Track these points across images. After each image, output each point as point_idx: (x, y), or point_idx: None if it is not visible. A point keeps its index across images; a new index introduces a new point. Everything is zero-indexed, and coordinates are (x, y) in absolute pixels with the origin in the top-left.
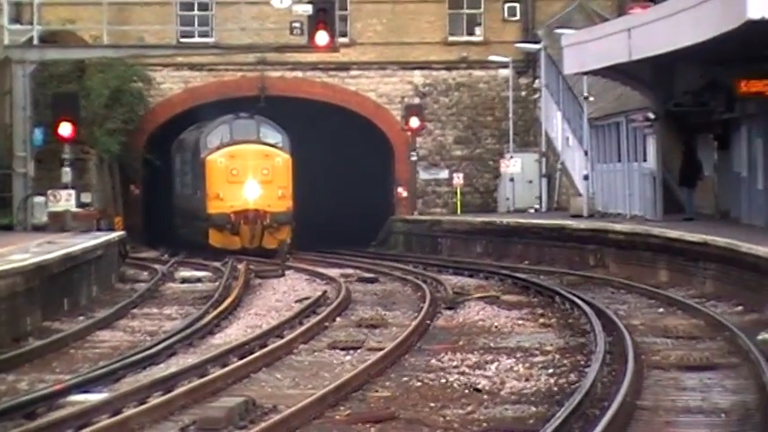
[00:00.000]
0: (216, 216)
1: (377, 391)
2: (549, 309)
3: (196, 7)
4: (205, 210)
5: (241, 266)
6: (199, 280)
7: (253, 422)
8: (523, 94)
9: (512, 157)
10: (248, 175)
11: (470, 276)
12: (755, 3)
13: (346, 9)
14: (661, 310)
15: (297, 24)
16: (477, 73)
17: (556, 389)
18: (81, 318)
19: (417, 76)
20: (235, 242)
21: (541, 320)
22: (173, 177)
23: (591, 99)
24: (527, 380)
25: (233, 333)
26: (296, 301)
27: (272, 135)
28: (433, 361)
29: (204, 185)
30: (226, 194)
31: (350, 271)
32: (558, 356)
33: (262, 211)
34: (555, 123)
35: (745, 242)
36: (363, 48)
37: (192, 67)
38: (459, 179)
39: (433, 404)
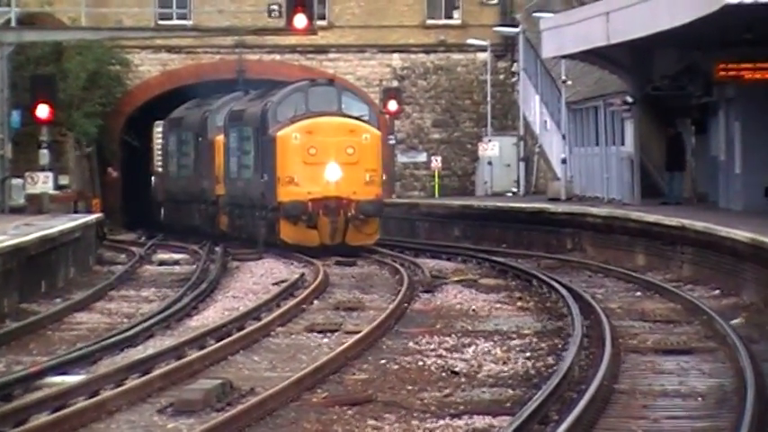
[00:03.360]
0: (289, 205)
1: (354, 374)
2: (527, 292)
3: None
4: (274, 197)
5: (218, 249)
6: (176, 262)
7: (230, 404)
8: (501, 77)
9: (490, 140)
10: (330, 154)
11: (448, 260)
12: None
13: None
14: (638, 293)
15: (275, 7)
16: (456, 56)
17: (533, 372)
18: (58, 300)
19: (396, 60)
20: (312, 237)
21: (519, 304)
22: (166, 159)
23: (569, 83)
24: (504, 363)
25: (210, 315)
26: (273, 284)
27: (357, 106)
28: (411, 344)
29: (273, 167)
30: (302, 178)
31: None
32: (535, 340)
33: (345, 200)
34: (533, 107)
35: (722, 226)
36: (341, 31)
37: (169, 49)
38: (437, 162)
39: (410, 387)
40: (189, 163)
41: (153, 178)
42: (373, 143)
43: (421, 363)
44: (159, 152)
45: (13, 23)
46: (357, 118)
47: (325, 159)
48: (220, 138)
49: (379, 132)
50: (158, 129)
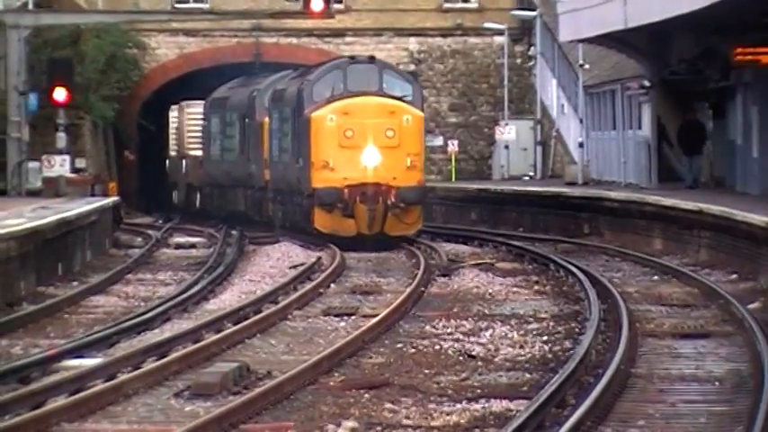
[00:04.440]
0: (323, 192)
1: (371, 358)
2: (544, 276)
3: None
4: (308, 183)
5: (235, 232)
6: (193, 246)
7: (247, 388)
8: (518, 61)
9: (507, 124)
10: (367, 137)
11: (465, 243)
12: None
13: None
14: (655, 277)
15: None
16: (473, 40)
17: (550, 356)
18: (75, 283)
19: (412, 43)
20: (348, 227)
21: (536, 288)
22: (207, 141)
23: (586, 67)
24: (521, 347)
25: (227, 299)
26: (290, 268)
27: (400, 85)
28: (428, 327)
29: (308, 150)
30: (337, 163)
31: None
32: (552, 324)
33: (385, 186)
34: (550, 91)
35: (739, 210)
36: (359, 14)
37: (186, 32)
38: (453, 146)
39: (427, 370)
40: (234, 146)
41: (167, 162)
42: (415, 125)
43: (438, 346)
44: (175, 135)
45: (30, 6)
46: (399, 98)
47: (362, 143)
48: (268, 120)
49: (422, 114)
50: (173, 113)
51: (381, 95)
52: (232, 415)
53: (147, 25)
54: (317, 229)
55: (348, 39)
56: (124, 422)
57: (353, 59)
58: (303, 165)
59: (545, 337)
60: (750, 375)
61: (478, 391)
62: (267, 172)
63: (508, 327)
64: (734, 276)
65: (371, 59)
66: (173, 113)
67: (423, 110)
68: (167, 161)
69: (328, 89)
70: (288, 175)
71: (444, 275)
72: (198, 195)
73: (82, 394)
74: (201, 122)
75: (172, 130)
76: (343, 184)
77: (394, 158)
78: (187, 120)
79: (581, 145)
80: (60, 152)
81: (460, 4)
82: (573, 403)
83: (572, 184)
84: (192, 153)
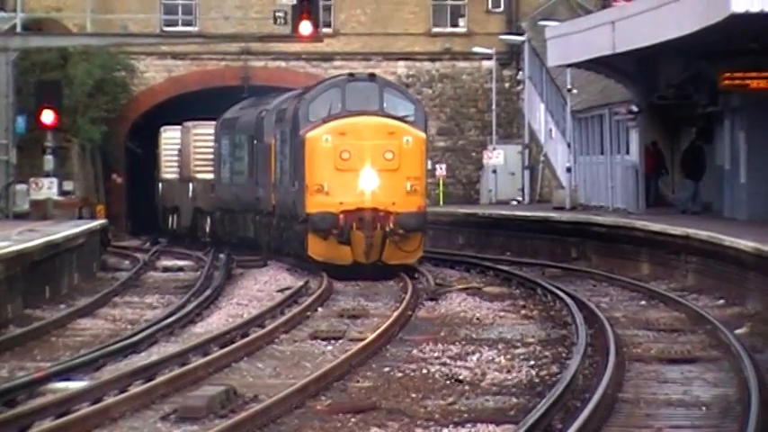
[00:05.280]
0: (317, 217)
1: (358, 382)
2: (531, 300)
3: None
4: (303, 207)
5: (222, 255)
6: (180, 269)
7: (234, 411)
8: (507, 85)
9: (494, 148)
10: (365, 159)
11: (452, 267)
12: None
13: None
14: (643, 302)
15: (281, 14)
16: (461, 64)
17: (537, 380)
18: (62, 306)
19: (401, 67)
20: (344, 255)
21: (523, 312)
22: (218, 164)
23: (574, 91)
24: (508, 371)
25: (214, 322)
26: (277, 291)
27: (402, 105)
28: (415, 352)
29: (302, 173)
30: (333, 187)
31: None
32: (539, 348)
33: (383, 212)
34: (538, 115)
35: (727, 236)
36: (347, 38)
37: (175, 56)
38: (441, 170)
39: (414, 395)
40: (243, 169)
41: (160, 185)
42: (416, 147)
43: (425, 370)
44: (175, 157)
45: (18, 29)
46: (400, 118)
47: (359, 165)
48: (274, 141)
49: (424, 135)
50: (165, 134)
51: (381, 115)
52: None
53: (135, 48)
54: (311, 257)
55: (336, 62)
56: None
57: (352, 77)
58: (298, 188)
59: (532, 362)
60: (737, 401)
61: (465, 415)
62: (274, 196)
63: (495, 351)
64: (721, 301)
65: (372, 77)
66: (167, 135)
67: (426, 131)
68: (160, 184)
69: (325, 108)
70: (287, 199)
71: (432, 299)
72: (208, 221)
73: (68, 417)
74: (213, 144)
75: (168, 152)
76: (338, 210)
77: (393, 182)
78: (194, 141)
79: (569, 170)
80: (48, 175)
81: (449, 29)
82: (560, 428)
83: (560, 208)
84: (201, 176)
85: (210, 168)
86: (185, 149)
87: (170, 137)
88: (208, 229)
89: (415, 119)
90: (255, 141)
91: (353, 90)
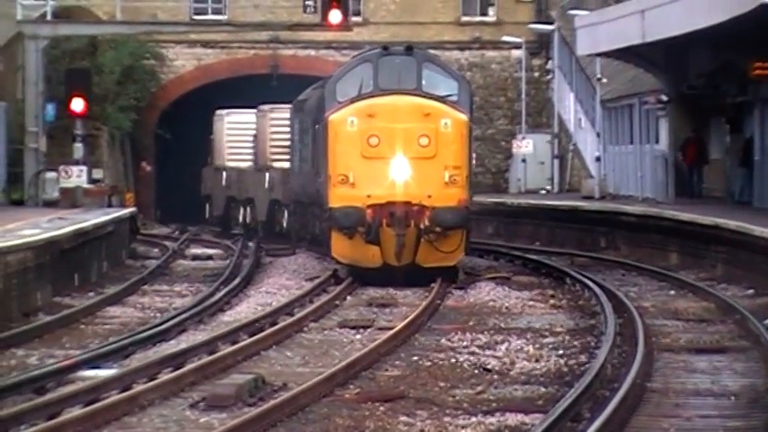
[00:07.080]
0: (340, 212)
1: (386, 370)
2: (560, 290)
3: None
4: (325, 201)
5: (251, 244)
6: (209, 257)
7: (262, 399)
8: (536, 75)
9: (524, 137)
10: (396, 146)
11: (481, 257)
12: None
13: None
14: (672, 292)
15: (310, 2)
16: (490, 53)
17: (566, 370)
18: (91, 294)
19: None
20: (372, 256)
21: (552, 301)
22: (292, 151)
23: (604, 81)
24: (537, 360)
25: (243, 310)
26: (306, 280)
27: (444, 83)
28: (443, 341)
29: (324, 161)
30: (359, 178)
31: None
32: (568, 337)
33: (417, 207)
34: (567, 105)
35: (756, 225)
36: (376, 27)
37: (204, 44)
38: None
39: (442, 384)
40: (308, 156)
41: (203, 171)
42: (456, 131)
43: (453, 360)
44: (232, 144)
45: (48, 17)
46: (439, 98)
47: (389, 153)
48: None
49: (466, 118)
50: (229, 118)
51: (416, 94)
52: (247, 427)
53: (164, 36)
54: (334, 258)
55: None
56: None
57: (387, 50)
58: (322, 179)
59: (561, 351)
60: (766, 390)
61: (494, 404)
62: None
63: (524, 340)
64: (750, 291)
65: (409, 50)
66: (231, 119)
67: (471, 113)
68: (203, 170)
69: (355, 87)
70: (312, 190)
71: (460, 289)
72: (285, 214)
73: (97, 405)
74: (288, 130)
75: (232, 138)
76: (365, 204)
77: (429, 172)
78: (270, 126)
79: (598, 159)
80: (77, 163)
81: (478, 18)
82: (588, 417)
83: (589, 198)
84: (277, 165)
85: (287, 157)
86: (261, 135)
87: (236, 121)
88: (285, 224)
89: (459, 99)
90: (317, 126)
91: (387, 65)
